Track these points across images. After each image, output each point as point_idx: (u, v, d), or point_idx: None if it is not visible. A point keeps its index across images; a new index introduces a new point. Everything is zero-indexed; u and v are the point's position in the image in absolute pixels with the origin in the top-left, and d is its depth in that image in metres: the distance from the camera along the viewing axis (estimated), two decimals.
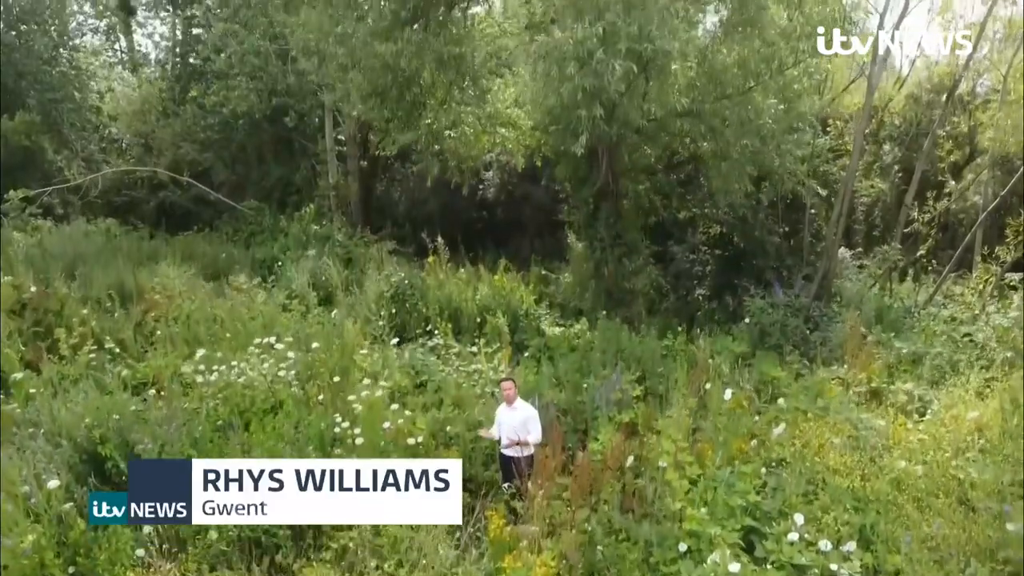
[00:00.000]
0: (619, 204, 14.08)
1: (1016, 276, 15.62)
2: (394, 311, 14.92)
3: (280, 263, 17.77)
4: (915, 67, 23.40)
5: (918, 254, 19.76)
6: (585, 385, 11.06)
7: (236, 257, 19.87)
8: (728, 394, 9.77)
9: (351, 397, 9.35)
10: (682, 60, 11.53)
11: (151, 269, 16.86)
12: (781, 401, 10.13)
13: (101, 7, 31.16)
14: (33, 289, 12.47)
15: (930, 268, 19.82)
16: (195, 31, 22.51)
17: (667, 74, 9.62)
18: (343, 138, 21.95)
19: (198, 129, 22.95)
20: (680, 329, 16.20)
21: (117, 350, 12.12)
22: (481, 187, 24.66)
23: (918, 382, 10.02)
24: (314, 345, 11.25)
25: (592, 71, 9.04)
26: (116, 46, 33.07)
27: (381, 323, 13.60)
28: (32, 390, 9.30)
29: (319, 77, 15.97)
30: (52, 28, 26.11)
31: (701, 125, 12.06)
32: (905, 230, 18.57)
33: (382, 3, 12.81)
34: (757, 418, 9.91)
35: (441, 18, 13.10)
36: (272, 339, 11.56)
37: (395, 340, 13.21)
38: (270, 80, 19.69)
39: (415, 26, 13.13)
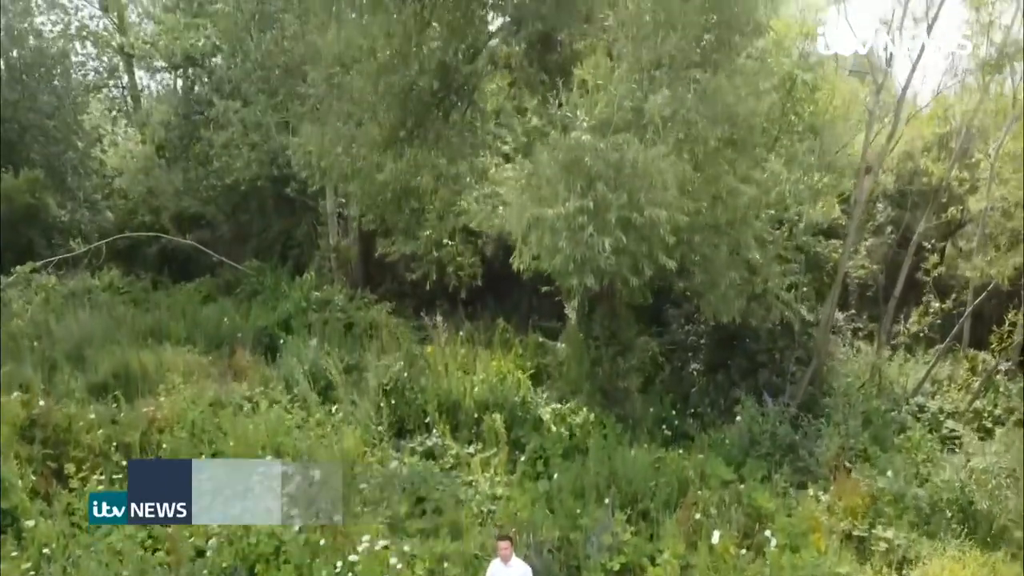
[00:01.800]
0: (614, 304, 14.37)
1: (1005, 365, 16.01)
2: (393, 402, 15.31)
3: (282, 342, 18.08)
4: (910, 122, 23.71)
5: (910, 321, 20.12)
6: (578, 511, 11.42)
7: (238, 324, 20.17)
8: (716, 537, 10.22)
9: (352, 557, 9.67)
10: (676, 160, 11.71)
11: (155, 351, 17.24)
12: (768, 534, 10.60)
13: (103, 43, 31.49)
14: (42, 403, 12.77)
15: (922, 335, 20.17)
16: (196, 89, 22.72)
17: (657, 239, 9.95)
18: (344, 200, 22.21)
19: (200, 188, 23.24)
20: (675, 411, 16.67)
21: (123, 463, 12.52)
22: (480, 241, 24.86)
23: (899, 524, 10.40)
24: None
25: (584, 243, 9.37)
26: (121, 82, 33.49)
27: (381, 428, 13.93)
28: (45, 548, 9.61)
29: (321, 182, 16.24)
30: (56, 80, 26.37)
31: (692, 254, 12.37)
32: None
33: (380, 116, 13.09)
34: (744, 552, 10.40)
35: (439, 130, 13.37)
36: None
37: (394, 447, 13.64)
38: (271, 152, 19.97)
39: (414, 134, 13.42)
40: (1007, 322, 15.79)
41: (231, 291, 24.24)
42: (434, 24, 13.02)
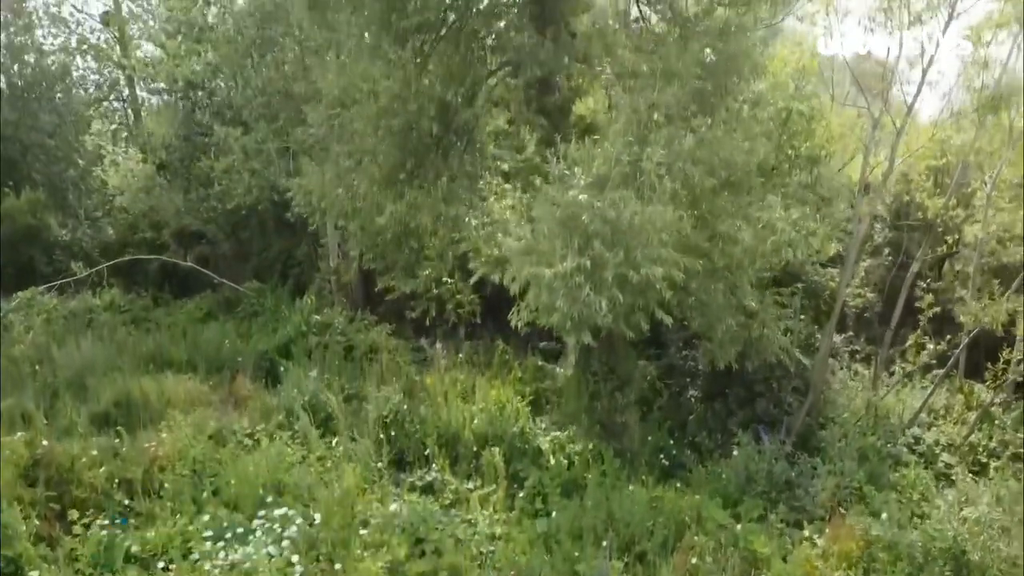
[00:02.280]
0: (612, 339, 14.47)
1: (1000, 398, 16.13)
2: (393, 434, 15.45)
3: (283, 369, 18.19)
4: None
5: (907, 344, 20.18)
6: (576, 554, 11.57)
7: (238, 347, 20.29)
8: None
9: None
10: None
11: (156, 379, 17.35)
12: None
13: (103, 56, 31.65)
14: (45, 443, 12.86)
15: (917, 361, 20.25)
16: (197, 113, 22.81)
17: (653, 294, 10.07)
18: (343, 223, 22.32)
19: (201, 209, 23.39)
20: (672, 440, 16.82)
21: (126, 502, 12.66)
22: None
23: (894, 573, 10.53)
24: (316, 517, 11.72)
25: (581, 301, 9.48)
26: (122, 95, 33.63)
27: (380, 465, 14.06)
28: None
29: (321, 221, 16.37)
30: (58, 96, 26.46)
31: (689, 297, 12.48)
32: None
33: (380, 158, 13.20)
34: None
35: (438, 169, 13.47)
36: (275, 500, 12.10)
37: (394, 482, 13.80)
38: (272, 178, 20.09)
39: (414, 174, 13.53)
40: (1001, 359, 15.92)
41: (231, 308, 24.42)
42: (433, 65, 13.12)
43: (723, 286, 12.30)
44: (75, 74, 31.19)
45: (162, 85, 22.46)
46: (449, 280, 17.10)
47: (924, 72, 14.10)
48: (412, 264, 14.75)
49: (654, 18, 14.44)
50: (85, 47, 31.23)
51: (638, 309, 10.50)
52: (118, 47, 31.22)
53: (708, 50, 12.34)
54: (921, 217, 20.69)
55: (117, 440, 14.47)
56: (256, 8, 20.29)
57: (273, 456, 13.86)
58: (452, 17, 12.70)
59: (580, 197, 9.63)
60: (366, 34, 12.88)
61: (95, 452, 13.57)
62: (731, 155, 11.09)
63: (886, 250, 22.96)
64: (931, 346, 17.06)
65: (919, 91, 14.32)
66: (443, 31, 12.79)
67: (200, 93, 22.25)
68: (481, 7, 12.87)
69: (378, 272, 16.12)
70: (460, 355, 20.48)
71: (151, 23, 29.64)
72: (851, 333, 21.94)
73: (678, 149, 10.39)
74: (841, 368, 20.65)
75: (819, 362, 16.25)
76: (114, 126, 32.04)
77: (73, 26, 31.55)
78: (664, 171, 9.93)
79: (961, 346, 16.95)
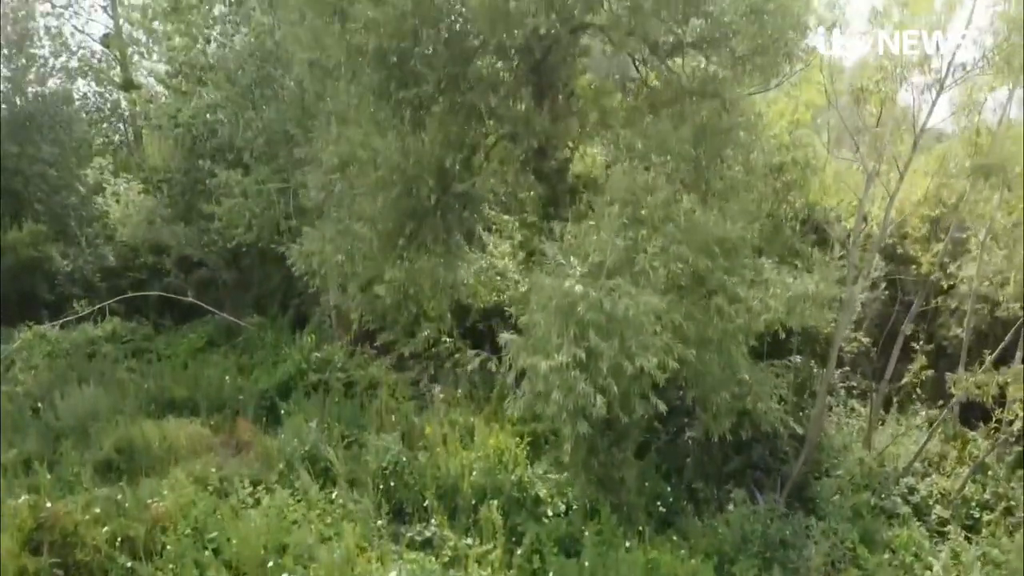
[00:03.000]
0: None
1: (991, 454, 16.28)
2: (392, 484, 15.61)
3: (284, 412, 18.32)
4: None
5: (903, 381, 20.32)
6: None
7: (239, 384, 20.42)
8: None
9: None
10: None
11: (158, 424, 17.48)
12: None
13: (106, 83, 31.83)
14: (49, 505, 13.00)
15: (915, 396, 20.41)
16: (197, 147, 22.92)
17: (647, 381, 10.21)
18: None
19: (203, 242, 23.56)
20: (669, 487, 16.93)
21: (128, 564, 12.80)
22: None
23: None
24: None
25: (576, 392, 9.62)
26: (123, 115, 33.79)
27: (380, 523, 14.21)
28: None
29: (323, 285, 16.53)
30: (59, 126, 26.55)
31: (683, 368, 12.58)
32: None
33: (379, 226, 13.31)
34: None
35: (436, 234, 13.60)
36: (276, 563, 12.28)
37: (393, 538, 13.97)
38: (272, 218, 20.24)
39: (413, 237, 13.66)
40: (994, 419, 16.04)
41: (232, 337, 24.56)
42: (430, 131, 13.23)
43: (717, 357, 12.39)
44: (76, 95, 31.41)
45: (163, 123, 22.47)
46: (448, 339, 17.27)
47: (916, 141, 14.19)
48: (411, 325, 14.92)
49: (651, 75, 14.51)
50: (87, 68, 31.44)
51: (633, 395, 10.64)
52: (119, 68, 31.49)
53: (704, 114, 12.46)
54: (916, 271, 20.82)
55: (120, 496, 14.63)
56: (257, 47, 20.38)
57: (274, 514, 14.01)
58: (449, 87, 12.76)
59: (576, 287, 9.76)
60: (367, 101, 12.97)
61: (98, 509, 13.75)
62: (725, 233, 11.21)
63: (883, 284, 23.04)
64: (924, 412, 17.18)
65: (912, 155, 14.38)
66: (440, 99, 12.87)
67: (202, 127, 22.33)
68: (483, 75, 12.95)
69: (376, 331, 16.24)
70: (459, 391, 20.59)
71: (153, 46, 29.74)
72: (847, 368, 22.09)
73: (672, 231, 10.52)
74: (837, 405, 20.82)
75: (815, 416, 16.37)
76: (113, 146, 32.23)
77: (74, 48, 31.77)
78: (658, 262, 10.06)
79: (951, 402, 17.06)
